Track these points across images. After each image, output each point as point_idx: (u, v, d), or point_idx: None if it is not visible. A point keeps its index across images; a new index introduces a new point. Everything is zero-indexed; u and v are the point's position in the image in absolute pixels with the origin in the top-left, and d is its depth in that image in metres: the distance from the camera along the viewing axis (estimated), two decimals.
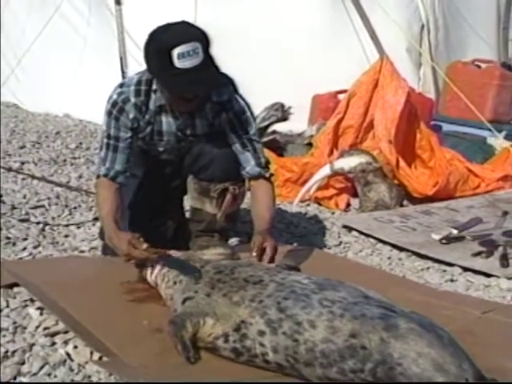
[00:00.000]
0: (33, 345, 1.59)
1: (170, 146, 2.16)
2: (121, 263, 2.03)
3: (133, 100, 2.04)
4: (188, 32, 1.88)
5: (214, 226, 2.21)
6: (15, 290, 1.87)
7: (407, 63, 4.84)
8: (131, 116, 2.05)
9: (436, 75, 4.99)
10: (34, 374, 1.48)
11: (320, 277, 1.57)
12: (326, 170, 3.19)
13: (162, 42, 1.87)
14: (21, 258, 2.23)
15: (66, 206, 2.83)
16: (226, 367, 1.48)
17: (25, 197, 2.89)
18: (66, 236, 2.49)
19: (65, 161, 3.68)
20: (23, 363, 1.52)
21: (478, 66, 4.63)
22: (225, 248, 2.18)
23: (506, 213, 3.02)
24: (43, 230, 2.52)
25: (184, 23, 1.94)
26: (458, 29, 5.42)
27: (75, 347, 1.58)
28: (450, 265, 2.42)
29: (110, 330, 1.61)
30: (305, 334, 1.38)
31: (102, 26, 4.98)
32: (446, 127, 4.43)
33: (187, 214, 2.44)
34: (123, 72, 4.75)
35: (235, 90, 2.12)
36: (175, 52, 1.83)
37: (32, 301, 1.81)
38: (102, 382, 1.47)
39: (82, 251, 2.34)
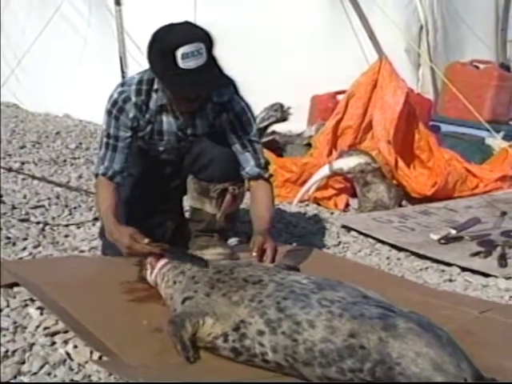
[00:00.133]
0: (33, 344, 1.60)
1: (170, 146, 2.17)
2: (120, 263, 2.04)
3: (133, 99, 2.04)
4: (192, 32, 1.89)
5: (213, 226, 2.22)
6: (15, 289, 1.88)
7: (406, 64, 4.85)
8: (131, 115, 2.05)
9: (435, 76, 5.00)
10: (34, 374, 1.49)
11: (319, 277, 1.57)
12: (325, 171, 3.20)
13: (165, 42, 1.88)
14: (21, 258, 2.23)
15: (66, 205, 2.84)
16: (225, 367, 1.49)
17: (25, 197, 2.90)
18: (66, 236, 2.49)
19: (65, 161, 3.69)
20: (23, 363, 1.53)
21: (477, 67, 4.64)
22: (224, 248, 2.19)
23: (504, 213, 3.03)
24: (43, 229, 2.52)
25: (187, 23, 1.95)
26: (457, 30, 5.43)
27: (75, 347, 1.58)
28: (449, 265, 2.42)
29: (109, 330, 1.62)
30: (304, 334, 1.39)
31: (101, 27, 4.99)
32: (444, 128, 4.43)
33: (187, 214, 2.44)
34: (123, 72, 4.76)
35: (236, 91, 2.12)
36: (179, 52, 1.84)
37: (32, 300, 1.81)
38: (101, 381, 1.47)
39: (82, 251, 2.34)
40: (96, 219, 2.65)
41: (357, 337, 1.33)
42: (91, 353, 1.55)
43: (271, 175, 2.21)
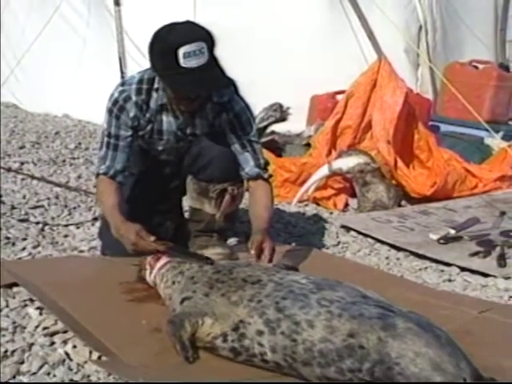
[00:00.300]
0: (32, 344, 1.60)
1: (170, 146, 2.17)
2: (120, 263, 2.04)
3: (134, 98, 2.05)
4: (193, 31, 1.89)
5: (212, 226, 2.22)
6: (15, 289, 1.87)
7: (405, 64, 4.85)
8: (132, 114, 2.05)
9: (434, 76, 5.00)
10: (34, 374, 1.49)
11: (318, 277, 1.57)
12: (324, 171, 3.20)
13: (167, 41, 1.88)
14: (20, 258, 2.23)
15: (66, 206, 2.84)
16: (224, 367, 1.49)
17: (24, 197, 2.90)
18: (66, 236, 2.49)
19: (64, 161, 3.69)
20: (22, 363, 1.52)
21: (476, 67, 4.64)
22: (223, 248, 2.20)
23: (503, 213, 3.03)
24: (42, 229, 2.52)
25: (189, 23, 1.95)
26: (456, 30, 5.43)
27: (74, 347, 1.58)
28: (448, 265, 2.42)
29: (109, 330, 1.62)
30: (303, 334, 1.38)
31: (101, 27, 4.99)
32: (443, 128, 4.43)
33: (186, 215, 2.45)
34: (122, 72, 4.76)
35: (236, 91, 2.13)
36: (181, 51, 1.84)
37: (31, 300, 1.81)
38: (100, 381, 1.47)
39: (82, 251, 2.34)
40: (95, 219, 2.65)
41: (356, 337, 1.33)
42: (90, 353, 1.55)
43: (270, 175, 2.22)
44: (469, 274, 2.34)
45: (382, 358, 1.30)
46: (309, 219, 3.00)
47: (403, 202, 3.31)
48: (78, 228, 2.59)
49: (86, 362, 1.53)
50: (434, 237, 2.69)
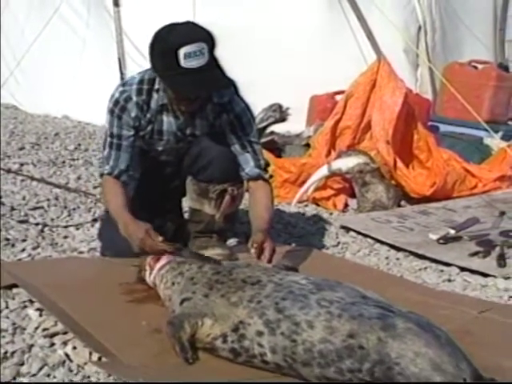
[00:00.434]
0: (32, 346, 1.59)
1: (169, 146, 2.17)
2: (120, 264, 2.04)
3: (134, 99, 2.05)
4: (194, 32, 1.90)
5: (212, 227, 2.22)
6: (14, 291, 1.87)
7: (404, 64, 4.86)
8: (133, 114, 2.06)
9: (433, 76, 5.01)
10: (34, 375, 1.48)
11: (318, 277, 1.57)
12: (323, 171, 3.20)
13: (168, 41, 1.89)
14: (20, 259, 2.23)
15: (65, 207, 2.83)
16: (224, 367, 1.49)
17: (24, 198, 2.90)
18: (65, 237, 2.49)
19: (64, 162, 3.69)
20: (22, 364, 1.52)
21: (475, 67, 4.64)
22: (223, 249, 2.20)
23: (502, 213, 3.03)
24: (42, 231, 2.52)
25: (190, 23, 1.95)
26: (455, 30, 5.43)
27: (74, 348, 1.58)
28: (448, 265, 2.42)
29: (108, 331, 1.62)
30: (303, 335, 1.39)
31: (100, 28, 4.99)
32: (443, 128, 4.44)
33: (186, 215, 2.44)
34: (122, 73, 4.77)
35: (236, 92, 2.13)
36: (181, 52, 1.84)
37: (31, 302, 1.81)
38: (100, 382, 1.47)
39: (81, 252, 2.34)
40: (95, 220, 2.66)
41: (356, 337, 1.34)
42: (90, 354, 1.55)
43: (271, 176, 2.22)
44: (468, 274, 2.34)
45: (381, 359, 1.30)
46: (308, 220, 3.00)
47: (403, 202, 3.31)
48: (77, 229, 2.59)
49: (85, 363, 1.53)
50: (434, 237, 2.69)
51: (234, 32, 4.30)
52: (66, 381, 1.47)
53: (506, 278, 2.28)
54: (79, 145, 4.16)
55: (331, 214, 3.14)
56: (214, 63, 1.92)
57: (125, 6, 4.84)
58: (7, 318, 1.73)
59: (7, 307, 1.78)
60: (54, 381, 1.47)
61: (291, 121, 3.77)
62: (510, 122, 4.76)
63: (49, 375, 1.49)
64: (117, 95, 2.06)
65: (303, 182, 3.24)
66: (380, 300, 1.47)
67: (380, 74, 3.41)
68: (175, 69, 1.87)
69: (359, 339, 1.33)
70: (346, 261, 2.47)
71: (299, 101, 4.07)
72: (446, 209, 3.15)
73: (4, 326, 1.67)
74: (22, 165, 3.51)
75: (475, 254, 2.50)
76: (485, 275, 2.32)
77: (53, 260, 2.25)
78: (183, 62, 1.86)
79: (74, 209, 2.83)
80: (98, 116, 3.90)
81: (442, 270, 2.39)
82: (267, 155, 2.82)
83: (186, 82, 1.89)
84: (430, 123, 4.31)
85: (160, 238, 1.86)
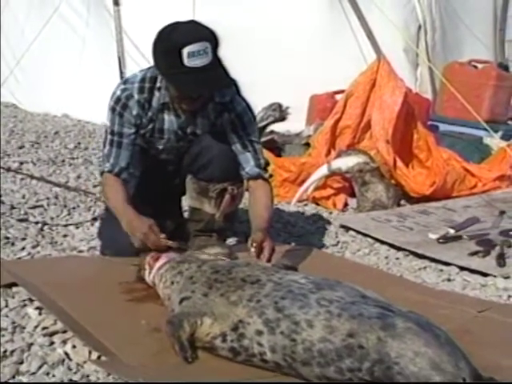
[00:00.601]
0: (31, 344, 1.59)
1: (170, 145, 2.17)
2: (119, 263, 2.04)
3: (136, 97, 2.05)
4: (198, 31, 1.90)
5: (212, 226, 2.22)
6: (14, 289, 1.88)
7: (404, 63, 4.86)
8: (134, 112, 2.06)
9: (433, 75, 5.01)
10: (33, 374, 1.48)
11: (317, 276, 1.57)
12: (323, 170, 3.20)
13: (171, 40, 1.89)
14: (19, 258, 2.23)
15: (65, 205, 2.83)
16: (224, 367, 1.49)
17: (24, 197, 2.89)
18: (65, 236, 2.49)
19: (63, 161, 3.69)
20: (22, 363, 1.52)
21: (475, 67, 4.64)
22: (222, 248, 2.19)
23: (502, 212, 3.03)
24: (42, 229, 2.52)
25: (193, 22, 1.96)
26: (455, 29, 5.44)
27: (74, 347, 1.58)
28: (447, 264, 2.42)
29: (108, 330, 1.62)
30: (302, 334, 1.39)
31: (100, 27, 4.99)
32: (442, 127, 4.43)
33: (186, 214, 2.44)
34: (121, 72, 4.77)
35: (237, 91, 2.13)
36: (185, 51, 1.84)
37: (31, 300, 1.81)
38: (100, 381, 1.47)
39: (81, 251, 2.34)
40: (94, 219, 2.66)
41: (355, 336, 1.34)
42: (90, 353, 1.55)
43: (271, 175, 2.22)
44: (468, 274, 2.34)
45: (381, 358, 1.30)
46: (308, 219, 3.00)
47: (402, 202, 3.31)
48: (77, 228, 2.59)
49: (85, 362, 1.53)
50: (434, 236, 2.69)
51: (233, 32, 4.28)
52: (66, 380, 1.47)
53: (506, 278, 2.28)
54: (79, 143, 4.16)
55: (331, 213, 3.14)
56: (217, 62, 1.92)
57: (124, 5, 4.84)
58: (7, 316, 1.73)
59: (7, 306, 1.78)
60: (54, 379, 1.47)
61: (291, 120, 3.77)
62: (509, 122, 4.76)
63: (48, 374, 1.49)
64: (118, 93, 2.06)
65: (303, 182, 3.24)
66: (380, 299, 1.47)
67: (380, 74, 3.41)
68: (179, 67, 1.87)
69: (359, 338, 1.33)
70: (346, 260, 2.47)
71: (299, 100, 4.07)
72: (445, 208, 3.15)
73: (3, 325, 1.67)
74: (21, 163, 3.51)
75: (475, 253, 2.50)
76: (484, 275, 2.32)
77: (52, 259, 2.25)
78: (187, 61, 1.86)
79: (73, 207, 2.83)
80: (98, 115, 3.90)
81: (441, 270, 2.39)
82: (267, 154, 2.82)
83: (190, 80, 1.89)
84: (429, 123, 4.31)
85: (163, 235, 1.89)
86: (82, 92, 4.83)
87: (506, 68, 4.86)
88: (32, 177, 3.23)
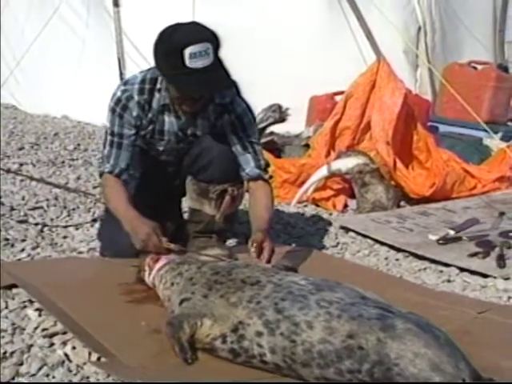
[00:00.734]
0: (31, 346, 1.59)
1: (170, 146, 2.17)
2: (119, 264, 2.04)
3: (136, 98, 2.05)
4: (199, 32, 1.90)
5: (212, 227, 2.22)
6: (14, 291, 1.88)
7: (404, 65, 4.86)
8: (134, 114, 2.06)
9: (433, 77, 5.01)
10: (33, 375, 1.48)
11: (317, 278, 1.57)
12: (323, 171, 3.20)
13: (173, 41, 1.89)
14: (19, 259, 2.23)
15: (65, 207, 2.83)
16: (223, 368, 1.49)
17: (23, 198, 2.89)
18: (65, 237, 2.49)
19: (63, 162, 3.69)
20: (22, 364, 1.52)
21: (475, 68, 4.65)
22: (222, 249, 2.19)
23: (502, 213, 3.03)
24: (42, 231, 2.52)
25: (195, 23, 1.96)
26: (455, 31, 5.44)
27: (73, 348, 1.58)
28: (447, 265, 2.42)
29: (108, 331, 1.62)
30: (302, 335, 1.39)
31: (100, 28, 4.99)
32: (442, 128, 4.44)
33: (186, 215, 2.44)
34: (121, 73, 4.77)
35: (238, 92, 2.13)
36: (187, 52, 1.84)
37: (31, 302, 1.81)
38: (100, 382, 1.47)
39: (81, 252, 2.34)
40: (94, 220, 2.66)
41: (355, 338, 1.34)
42: (89, 354, 1.55)
43: (271, 177, 2.22)
44: (468, 275, 2.34)
45: (381, 359, 1.30)
46: (308, 220, 3.00)
47: (402, 203, 3.31)
48: (77, 229, 2.59)
49: (85, 364, 1.53)
50: (433, 237, 2.69)
51: (233, 32, 4.28)
52: (65, 381, 1.47)
53: (506, 279, 2.28)
54: (79, 145, 4.16)
55: (331, 214, 3.14)
56: (218, 63, 1.92)
57: (124, 7, 4.84)
58: (6, 318, 1.73)
59: (7, 307, 1.78)
60: (53, 381, 1.47)
61: (291, 121, 3.77)
62: (509, 123, 4.76)
63: (48, 375, 1.48)
64: (118, 94, 2.06)
65: (303, 183, 3.24)
66: (379, 301, 1.47)
67: (380, 75, 3.41)
68: (180, 68, 1.87)
69: (359, 340, 1.33)
70: (346, 261, 2.47)
71: (299, 101, 4.07)
72: (445, 209, 3.15)
73: (3, 326, 1.67)
74: (21, 165, 3.51)
75: (475, 254, 2.50)
76: (484, 276, 2.32)
77: (52, 260, 2.25)
78: (188, 62, 1.86)
79: (73, 209, 2.83)
80: (98, 116, 3.91)
81: (441, 271, 2.39)
82: (267, 155, 2.82)
83: (191, 81, 1.89)
84: (429, 124, 4.31)
85: (164, 239, 1.89)
86: (82, 93, 4.83)
87: (505, 69, 4.86)
88: (32, 178, 3.23)
